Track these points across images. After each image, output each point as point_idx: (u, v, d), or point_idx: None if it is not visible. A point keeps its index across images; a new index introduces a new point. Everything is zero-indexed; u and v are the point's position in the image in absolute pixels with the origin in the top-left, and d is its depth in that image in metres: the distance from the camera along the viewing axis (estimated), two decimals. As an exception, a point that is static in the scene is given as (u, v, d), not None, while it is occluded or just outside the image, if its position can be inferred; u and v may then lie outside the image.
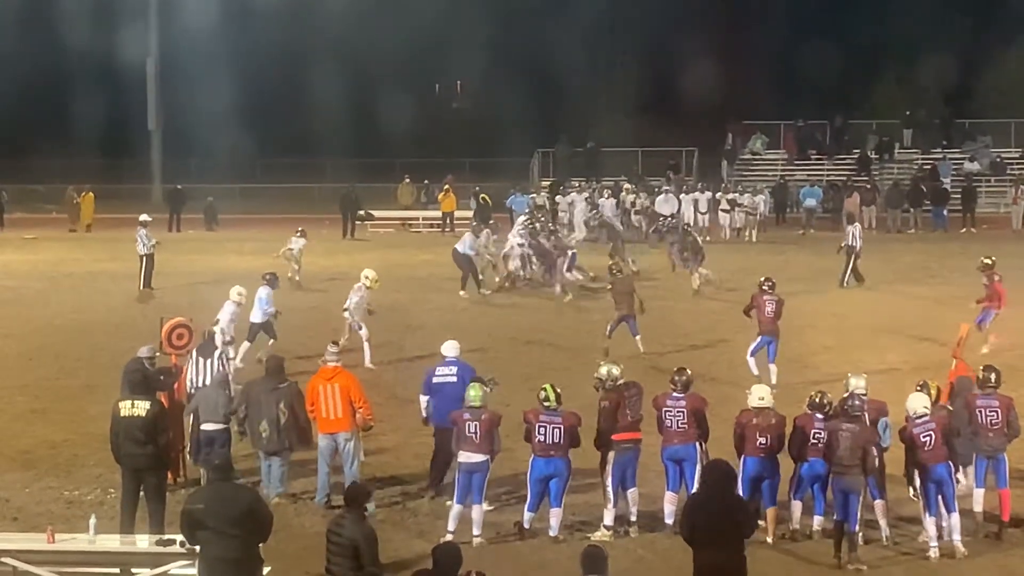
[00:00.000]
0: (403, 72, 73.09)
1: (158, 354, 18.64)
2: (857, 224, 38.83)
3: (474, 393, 16.52)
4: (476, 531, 16.28)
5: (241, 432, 18.13)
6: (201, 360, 19.29)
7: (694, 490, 15.65)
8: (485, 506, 16.48)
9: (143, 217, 37.29)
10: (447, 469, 17.52)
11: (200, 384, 18.97)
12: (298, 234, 37.85)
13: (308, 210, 56.91)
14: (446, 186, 54.96)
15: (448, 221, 53.60)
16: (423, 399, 18.16)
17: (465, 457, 16.35)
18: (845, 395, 16.23)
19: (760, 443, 16.25)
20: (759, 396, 16.47)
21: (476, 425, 16.28)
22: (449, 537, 15.60)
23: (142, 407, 15.87)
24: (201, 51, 61.25)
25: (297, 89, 70.86)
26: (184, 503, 13.67)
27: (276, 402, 17.65)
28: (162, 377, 18.12)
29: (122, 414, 15.94)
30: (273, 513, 13.55)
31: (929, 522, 15.93)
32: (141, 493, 15.91)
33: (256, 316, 26.51)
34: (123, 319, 31.17)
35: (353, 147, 66.24)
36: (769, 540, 16.11)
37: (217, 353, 19.35)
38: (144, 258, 36.31)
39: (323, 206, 56.22)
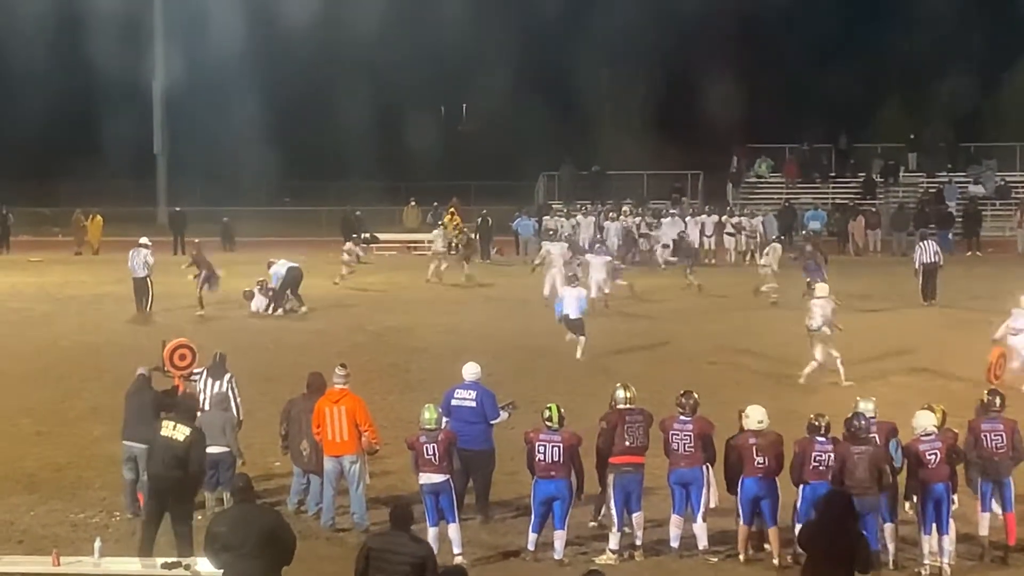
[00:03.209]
0: (410, 97, 73.17)
1: (151, 371, 18.69)
2: (932, 240, 38.78)
3: (429, 415, 16.57)
4: (456, 550, 16.28)
5: (284, 448, 18.26)
6: (211, 382, 19.21)
7: (810, 518, 14.61)
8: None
9: (143, 240, 37.24)
10: (463, 492, 17.48)
11: (208, 407, 18.86)
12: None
13: (314, 233, 56.98)
14: (451, 209, 55.01)
15: (453, 244, 53.57)
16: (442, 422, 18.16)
17: (426, 479, 16.39)
18: (848, 416, 16.16)
19: (758, 463, 16.23)
20: (757, 419, 16.44)
21: (433, 447, 16.33)
22: None
23: (182, 432, 15.79)
24: (211, 74, 61.43)
25: (304, 112, 71.06)
26: (208, 525, 13.65)
27: None
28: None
29: (162, 433, 15.88)
30: (296, 536, 13.47)
31: (924, 539, 15.98)
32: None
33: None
34: (129, 341, 31.13)
35: (360, 170, 66.24)
36: (776, 562, 16.09)
37: (227, 376, 19.29)
38: (139, 281, 36.18)
39: (329, 229, 56.23)
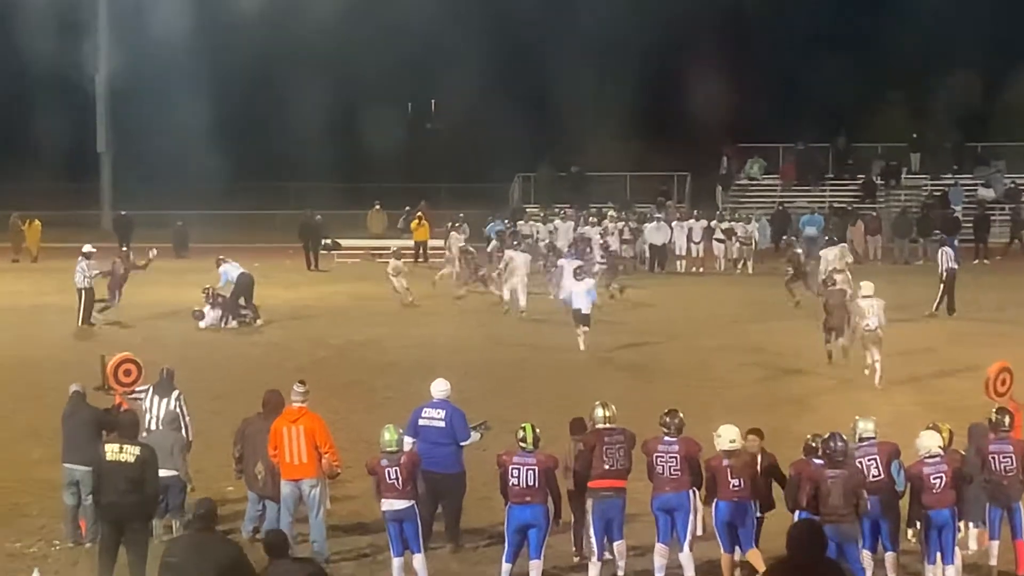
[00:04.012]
0: (374, 92, 72.95)
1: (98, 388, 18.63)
2: (947, 248, 39.07)
3: (389, 436, 16.48)
4: (422, 580, 16.32)
5: (238, 472, 18.16)
6: (157, 399, 19.10)
7: (784, 554, 14.75)
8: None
9: (87, 248, 37.16)
10: (432, 519, 17.47)
11: (156, 427, 18.77)
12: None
13: (269, 239, 56.87)
14: (419, 214, 54.99)
15: (421, 251, 53.61)
16: (407, 442, 17.96)
17: (388, 505, 16.35)
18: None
19: (734, 485, 16.22)
20: (729, 439, 16.38)
21: (396, 470, 16.28)
22: None
23: (131, 452, 15.71)
24: (158, 69, 61.24)
25: (261, 110, 70.90)
26: (163, 554, 13.51)
27: None
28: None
29: (108, 458, 15.75)
30: (256, 571, 13.37)
31: (928, 569, 16.03)
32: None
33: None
34: (70, 356, 31.01)
35: (320, 172, 66.18)
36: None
37: (175, 394, 19.21)
38: (83, 291, 36.20)
39: (286, 234, 56.17)
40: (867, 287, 28.77)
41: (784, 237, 33.34)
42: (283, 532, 13.64)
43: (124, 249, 39.16)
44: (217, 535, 13.39)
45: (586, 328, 32.13)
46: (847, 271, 35.74)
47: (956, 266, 37.75)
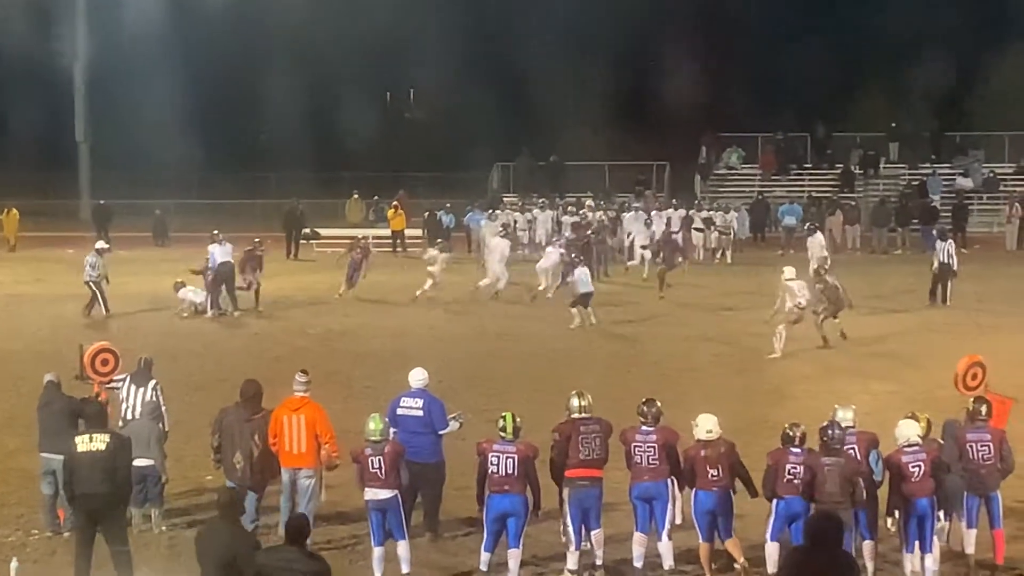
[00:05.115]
0: (353, 80, 72.84)
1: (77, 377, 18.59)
2: (951, 241, 39.09)
3: (374, 426, 16.47)
4: (405, 568, 16.33)
5: (216, 461, 18.09)
6: (135, 389, 19.10)
7: (799, 542, 14.49)
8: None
9: (99, 244, 37.06)
10: (411, 508, 17.47)
11: (133, 416, 18.80)
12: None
13: (249, 227, 56.69)
14: (395, 203, 54.90)
15: (399, 240, 53.54)
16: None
17: (372, 494, 16.35)
18: (823, 425, 16.16)
19: (712, 475, 16.26)
20: (707, 429, 16.40)
21: (379, 459, 16.27)
22: None
23: (101, 440, 15.70)
24: (136, 57, 61.04)
25: (239, 98, 70.72)
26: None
27: (251, 434, 17.53)
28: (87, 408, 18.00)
29: (79, 449, 15.72)
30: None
31: (906, 558, 16.06)
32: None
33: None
34: (48, 347, 30.94)
35: (299, 160, 66.03)
36: (737, 567, 16.17)
37: (152, 383, 19.20)
38: (92, 285, 35.96)
39: (266, 223, 56.05)
40: (789, 271, 30.96)
41: (815, 267, 32.53)
42: (305, 517, 13.65)
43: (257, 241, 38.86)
44: (235, 527, 13.35)
45: (586, 308, 34.24)
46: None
47: (949, 262, 37.66)
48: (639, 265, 44.98)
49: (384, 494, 16.30)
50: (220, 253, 36.71)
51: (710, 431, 16.39)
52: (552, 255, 39.37)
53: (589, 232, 44.63)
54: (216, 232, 37.78)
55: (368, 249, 40.46)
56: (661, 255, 41.23)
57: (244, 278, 36.88)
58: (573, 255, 37.07)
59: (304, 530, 13.03)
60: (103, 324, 34.63)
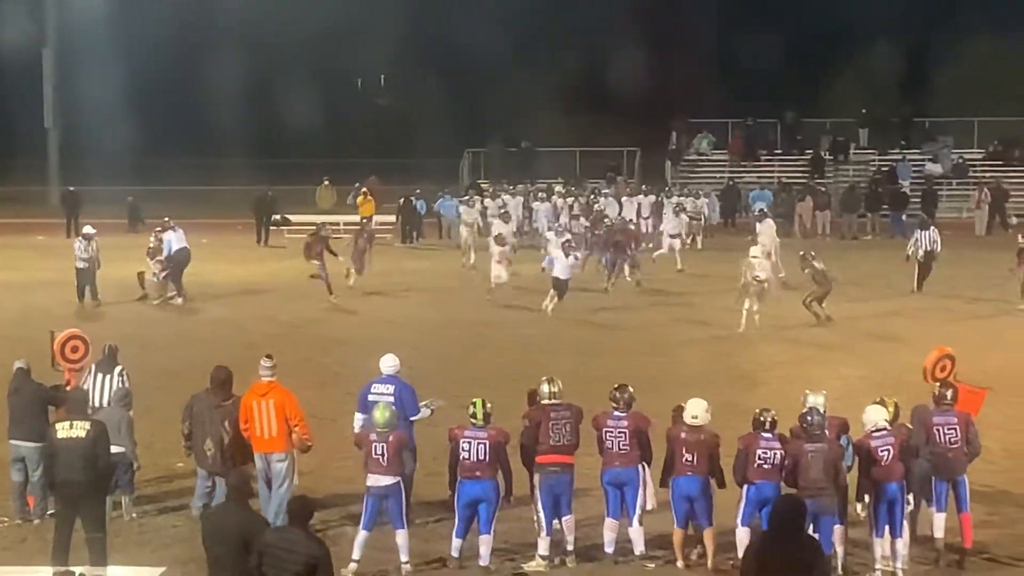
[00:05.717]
0: (321, 65, 72.73)
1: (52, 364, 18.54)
2: (933, 228, 39.22)
3: (379, 415, 16.53)
4: (404, 557, 16.31)
5: (187, 448, 18.03)
6: (100, 376, 19.09)
7: (764, 528, 14.49)
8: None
9: (87, 229, 36.84)
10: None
11: (100, 403, 18.78)
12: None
13: (213, 214, 56.52)
14: (364, 189, 54.75)
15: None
16: (358, 418, 18.01)
17: (374, 480, 16.36)
18: (804, 411, 16.17)
19: (686, 460, 16.27)
20: (692, 414, 16.41)
21: (383, 446, 16.29)
22: (353, 565, 15.98)
23: (82, 427, 15.68)
24: (98, 42, 60.78)
25: (204, 83, 70.27)
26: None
27: (221, 420, 17.47)
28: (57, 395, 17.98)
29: (59, 436, 15.70)
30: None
31: (876, 543, 16.11)
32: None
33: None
34: (16, 333, 30.71)
35: (264, 146, 65.85)
36: (709, 565, 16.22)
37: (118, 370, 19.17)
38: (81, 272, 35.73)
39: (229, 210, 55.88)
40: (754, 250, 32.61)
41: (801, 252, 32.59)
42: (307, 498, 13.58)
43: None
44: (246, 510, 13.33)
45: (557, 298, 34.07)
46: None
47: (933, 249, 37.80)
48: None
49: (386, 480, 16.30)
50: (176, 240, 36.47)
51: (695, 416, 16.37)
52: (560, 258, 34.67)
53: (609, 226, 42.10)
54: (167, 219, 37.57)
55: (373, 235, 40.47)
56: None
57: (317, 265, 36.61)
58: (564, 242, 35.66)
59: (305, 511, 12.87)
60: (79, 312, 34.40)
